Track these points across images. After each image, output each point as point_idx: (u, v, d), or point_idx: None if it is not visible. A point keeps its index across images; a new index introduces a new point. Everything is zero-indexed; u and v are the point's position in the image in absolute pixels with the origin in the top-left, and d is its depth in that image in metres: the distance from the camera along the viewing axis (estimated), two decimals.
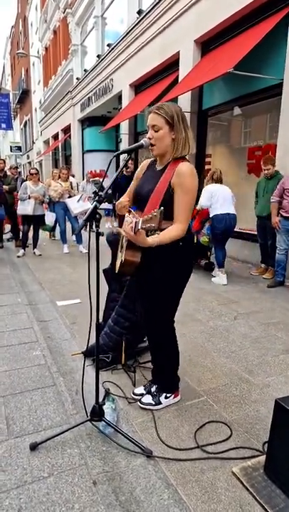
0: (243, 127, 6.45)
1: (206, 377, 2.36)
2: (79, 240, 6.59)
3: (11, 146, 28.21)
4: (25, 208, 6.01)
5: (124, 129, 9.88)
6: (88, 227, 1.59)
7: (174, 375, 2.06)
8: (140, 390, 2.12)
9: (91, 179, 8.99)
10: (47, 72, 19.27)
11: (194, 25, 6.46)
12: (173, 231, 1.65)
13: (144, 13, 7.92)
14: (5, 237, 7.47)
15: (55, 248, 6.92)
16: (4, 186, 6.54)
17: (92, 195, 1.67)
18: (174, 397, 2.06)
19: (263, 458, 1.60)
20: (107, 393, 2.06)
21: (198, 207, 4.62)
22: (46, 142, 20.60)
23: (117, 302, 2.51)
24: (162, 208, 1.46)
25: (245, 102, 5.98)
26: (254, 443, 1.76)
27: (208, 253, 5.26)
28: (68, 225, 6.57)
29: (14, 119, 31.19)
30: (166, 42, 7.36)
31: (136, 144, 1.74)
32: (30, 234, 6.27)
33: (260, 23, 5.28)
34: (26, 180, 6.77)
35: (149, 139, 1.71)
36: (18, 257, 6.09)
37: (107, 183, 1.90)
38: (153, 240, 1.60)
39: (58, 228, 7.01)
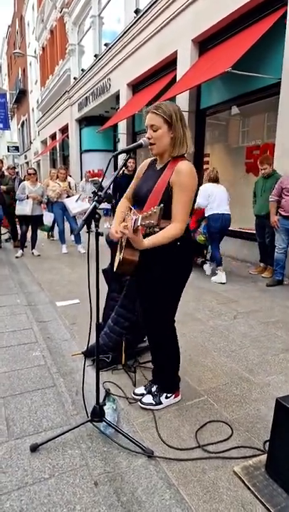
0: (241, 126, 6.45)
1: (207, 376, 2.36)
2: (77, 240, 6.58)
3: (8, 146, 28.15)
4: (23, 208, 5.99)
5: (122, 129, 9.87)
6: (88, 227, 1.59)
7: (175, 375, 2.06)
8: (141, 390, 2.12)
9: (90, 179, 8.98)
10: (44, 71, 19.22)
11: (192, 24, 6.46)
12: (170, 230, 1.64)
13: (142, 13, 7.91)
14: (3, 237, 7.45)
15: (54, 248, 6.90)
16: (2, 186, 6.52)
17: (92, 196, 1.67)
18: (174, 397, 2.05)
19: (264, 457, 1.60)
20: (108, 393, 2.06)
21: (195, 206, 4.63)
22: (44, 142, 20.56)
23: (116, 302, 2.51)
24: (162, 204, 1.46)
25: (243, 102, 5.98)
26: (255, 442, 1.76)
27: (205, 251, 5.29)
28: (67, 225, 6.56)
29: (11, 119, 31.09)
30: (164, 41, 7.36)
31: (135, 144, 1.74)
32: (29, 234, 6.26)
33: (258, 23, 5.28)
34: (24, 180, 6.75)
35: (148, 138, 1.70)
36: (17, 257, 6.08)
37: (106, 182, 1.89)
38: (148, 242, 1.60)
39: (56, 228, 6.99)
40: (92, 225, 1.58)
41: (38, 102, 20.97)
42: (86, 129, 13.66)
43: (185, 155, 1.74)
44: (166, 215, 1.67)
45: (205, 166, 6.97)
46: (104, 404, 1.87)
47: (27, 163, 26.95)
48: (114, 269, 1.85)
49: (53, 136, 18.12)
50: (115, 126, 10.36)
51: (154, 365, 2.09)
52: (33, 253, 6.26)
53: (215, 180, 4.70)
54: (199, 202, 4.53)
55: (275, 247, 4.43)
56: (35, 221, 6.25)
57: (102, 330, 2.49)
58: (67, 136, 15.05)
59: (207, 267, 5.00)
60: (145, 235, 1.66)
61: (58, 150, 17.67)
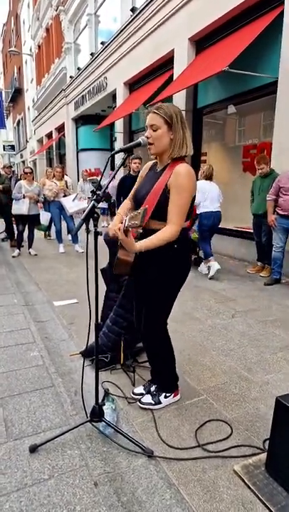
0: (238, 125, 6.46)
1: (206, 375, 2.36)
2: (75, 240, 6.55)
3: (3, 145, 28.02)
4: (20, 207, 5.96)
5: (119, 128, 9.84)
6: (86, 226, 1.58)
7: (172, 375, 2.06)
8: (140, 389, 2.11)
9: (88, 178, 8.93)
10: (40, 70, 19.12)
11: (188, 23, 6.45)
12: (164, 233, 1.63)
13: (138, 11, 7.89)
14: None
15: (51, 248, 6.87)
16: None
17: (90, 195, 1.66)
18: (173, 397, 2.05)
19: (264, 455, 1.60)
20: (107, 393, 2.05)
21: None
22: (40, 141, 20.46)
23: (115, 302, 2.50)
24: (147, 207, 1.47)
25: (240, 101, 5.98)
26: (254, 441, 1.76)
27: (197, 249, 5.33)
28: (64, 225, 6.53)
29: (7, 118, 30.93)
30: (161, 40, 7.34)
31: (133, 143, 1.73)
32: (26, 234, 6.23)
33: (255, 21, 5.28)
34: (20, 179, 6.71)
35: (147, 137, 1.70)
36: (14, 257, 6.05)
37: (104, 181, 1.89)
38: (141, 245, 1.59)
39: (53, 228, 6.96)
40: (91, 225, 1.57)
41: (33, 100, 20.86)
42: (82, 128, 13.61)
43: (185, 158, 1.73)
44: (162, 217, 1.66)
45: (202, 165, 6.96)
46: (104, 404, 1.87)
47: (23, 162, 26.82)
48: (112, 270, 1.84)
49: (49, 135, 18.05)
50: (112, 125, 10.33)
51: (151, 367, 2.09)
52: (29, 252, 6.23)
53: (210, 177, 4.77)
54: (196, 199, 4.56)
55: (273, 246, 4.44)
56: (32, 220, 6.22)
57: (101, 330, 2.49)
58: (64, 135, 14.99)
59: (202, 267, 4.98)
60: (141, 237, 1.65)
61: (54, 149, 17.59)
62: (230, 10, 5.52)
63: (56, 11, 14.46)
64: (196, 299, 3.88)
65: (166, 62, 7.51)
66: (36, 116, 20.02)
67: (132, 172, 5.52)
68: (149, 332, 1.92)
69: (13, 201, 6.04)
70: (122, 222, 1.70)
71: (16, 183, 6.35)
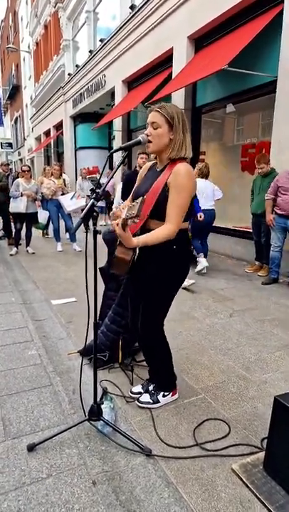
0: (237, 125, 6.46)
1: (204, 374, 2.37)
2: (73, 238, 6.54)
3: (1, 143, 27.83)
4: (17, 205, 5.94)
5: (118, 126, 9.82)
6: (85, 225, 1.57)
7: (170, 375, 2.06)
8: (138, 388, 2.11)
9: (87, 176, 8.90)
10: (38, 67, 19.02)
11: (188, 21, 6.43)
12: (162, 231, 1.63)
13: (137, 8, 7.86)
14: None
15: (49, 246, 6.86)
16: None
17: (90, 193, 1.65)
18: (171, 396, 2.05)
19: (262, 454, 1.61)
20: (105, 392, 2.05)
21: None
22: (38, 139, 20.38)
23: (113, 301, 2.50)
24: (145, 197, 1.47)
25: (239, 99, 5.98)
26: (253, 439, 1.77)
27: (191, 246, 5.35)
28: (62, 223, 6.51)
29: (4, 115, 30.80)
30: (160, 38, 7.32)
31: (134, 141, 1.72)
32: (23, 232, 6.21)
33: (255, 20, 5.28)
34: (18, 177, 6.68)
35: (147, 135, 1.69)
36: (11, 255, 6.03)
37: (103, 180, 1.88)
38: (138, 240, 1.59)
39: (51, 226, 6.94)
40: (90, 223, 1.57)
41: (31, 98, 20.75)
42: (81, 126, 13.57)
43: (186, 159, 1.73)
44: (161, 216, 1.66)
45: (198, 164, 6.96)
46: (102, 403, 1.86)
47: (21, 160, 26.72)
48: (110, 269, 1.84)
49: (47, 133, 17.97)
50: (110, 123, 10.30)
51: (149, 367, 2.09)
52: (27, 251, 6.21)
53: (206, 175, 4.81)
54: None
55: (271, 246, 4.44)
56: (30, 218, 6.20)
57: (99, 329, 2.48)
58: (62, 133, 14.93)
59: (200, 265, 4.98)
60: (140, 233, 1.65)
61: (52, 147, 17.53)
62: (229, 8, 5.51)
63: (55, 7, 14.38)
64: (194, 298, 3.89)
65: (165, 61, 7.49)
66: (34, 114, 19.93)
67: (138, 168, 5.51)
68: (147, 332, 1.92)
69: (11, 199, 6.02)
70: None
71: (13, 181, 6.33)
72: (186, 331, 3.05)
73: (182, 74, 6.40)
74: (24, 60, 23.06)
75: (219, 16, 5.73)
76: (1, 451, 1.68)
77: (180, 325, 3.14)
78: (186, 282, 4.14)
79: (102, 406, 1.83)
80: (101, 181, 5.51)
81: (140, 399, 2.02)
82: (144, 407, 1.98)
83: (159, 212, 1.66)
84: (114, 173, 1.81)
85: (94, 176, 9.11)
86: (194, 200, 4.52)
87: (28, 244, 6.26)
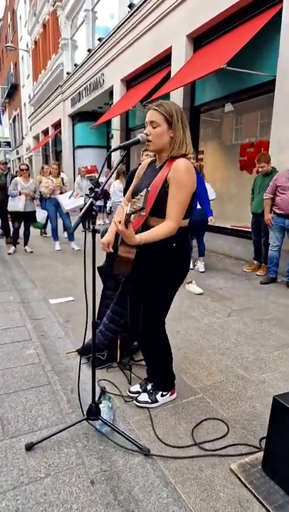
0: (236, 124, 6.46)
1: (202, 374, 2.36)
2: (71, 237, 6.52)
3: None
4: (15, 204, 5.93)
5: (116, 125, 9.80)
6: (84, 224, 1.56)
7: (169, 374, 2.05)
8: (136, 387, 2.11)
9: (86, 175, 8.87)
10: (36, 66, 18.95)
11: (187, 20, 6.42)
12: (162, 227, 1.62)
13: (136, 7, 7.84)
14: None
15: (47, 245, 6.84)
16: None
17: (88, 192, 1.65)
18: (170, 395, 2.05)
19: (260, 454, 1.61)
20: (103, 391, 2.04)
21: None
22: (36, 138, 20.31)
23: (112, 300, 2.49)
24: (149, 189, 1.44)
25: (238, 99, 5.98)
26: (251, 439, 1.76)
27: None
28: (60, 222, 6.49)
29: (3, 114, 30.70)
30: (158, 36, 7.30)
31: (132, 140, 1.71)
32: (21, 231, 6.19)
33: (254, 19, 5.27)
34: (16, 176, 6.66)
35: (146, 134, 1.68)
36: (9, 254, 6.02)
37: (102, 179, 1.87)
38: (140, 237, 1.58)
39: (49, 225, 6.92)
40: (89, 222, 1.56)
41: (30, 96, 20.68)
42: (79, 125, 13.54)
43: (187, 156, 1.71)
44: (161, 213, 1.65)
45: (192, 162, 6.96)
46: (100, 403, 1.86)
47: (19, 158, 26.63)
48: (113, 271, 1.82)
49: (46, 132, 17.91)
50: (109, 122, 10.28)
51: (147, 366, 2.08)
52: (25, 250, 6.20)
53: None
54: None
55: (269, 245, 4.45)
56: (28, 217, 6.19)
57: (98, 328, 2.47)
58: (60, 132, 14.89)
59: (199, 264, 5.01)
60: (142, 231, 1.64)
61: (50, 146, 17.48)
62: (228, 7, 5.50)
63: (53, 6, 14.32)
64: (192, 298, 3.89)
65: (163, 59, 7.48)
66: (32, 113, 19.86)
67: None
68: (148, 332, 1.91)
69: (9, 198, 6.01)
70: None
71: (11, 180, 6.31)
72: (185, 330, 3.05)
73: (181, 73, 6.40)
74: (23, 58, 22.97)
75: (218, 15, 5.72)
76: None
77: (178, 324, 3.14)
78: (195, 289, 4.08)
79: (101, 405, 1.82)
80: (100, 180, 5.50)
81: (138, 398, 2.01)
82: (142, 407, 1.98)
83: (159, 210, 1.64)
84: (113, 172, 1.80)
85: (93, 175, 9.08)
86: (204, 202, 4.57)
87: (26, 243, 6.25)
